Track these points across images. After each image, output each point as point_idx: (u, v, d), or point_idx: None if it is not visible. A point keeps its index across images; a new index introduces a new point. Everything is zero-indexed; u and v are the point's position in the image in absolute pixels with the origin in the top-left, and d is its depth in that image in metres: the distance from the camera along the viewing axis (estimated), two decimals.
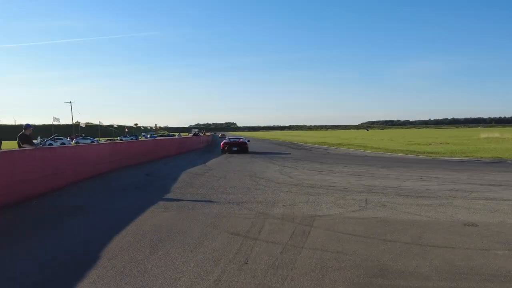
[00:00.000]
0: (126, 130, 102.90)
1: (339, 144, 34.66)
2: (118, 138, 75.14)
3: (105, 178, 11.32)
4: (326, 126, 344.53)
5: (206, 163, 15.63)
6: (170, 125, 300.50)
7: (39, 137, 43.84)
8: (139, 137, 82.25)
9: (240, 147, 23.68)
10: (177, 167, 14.12)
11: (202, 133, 56.88)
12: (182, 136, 40.82)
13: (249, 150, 24.85)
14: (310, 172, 11.95)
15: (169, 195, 7.89)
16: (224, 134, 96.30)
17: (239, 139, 26.33)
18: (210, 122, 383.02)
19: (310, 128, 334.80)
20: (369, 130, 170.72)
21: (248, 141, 26.48)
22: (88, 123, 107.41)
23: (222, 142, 24.61)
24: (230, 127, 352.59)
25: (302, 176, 10.98)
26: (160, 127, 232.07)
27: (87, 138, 55.86)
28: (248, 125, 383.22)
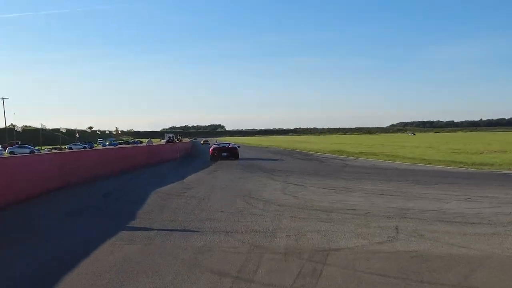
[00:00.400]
0: (77, 135, 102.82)
1: (361, 153, 34.85)
2: (66, 146, 74.93)
3: (50, 198, 11.16)
4: (343, 129, 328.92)
5: (184, 179, 15.66)
6: (136, 129, 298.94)
7: None
8: (95, 145, 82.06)
9: (230, 153, 29.31)
10: (145, 185, 14.09)
11: (178, 138, 56.08)
12: (153, 143, 40.73)
13: (241, 161, 26.29)
14: (322, 191, 11.92)
15: (135, 223, 7.85)
16: (207, 140, 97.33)
17: (229, 144, 32.21)
18: (190, 125, 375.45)
19: (322, 131, 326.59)
20: (413, 134, 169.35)
21: (238, 147, 31.69)
22: (26, 126, 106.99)
23: (212, 148, 30.53)
24: (216, 131, 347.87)
25: (312, 196, 10.96)
26: (122, 131, 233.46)
27: (25, 147, 55.71)
28: (240, 128, 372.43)
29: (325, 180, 14.93)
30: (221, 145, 31.16)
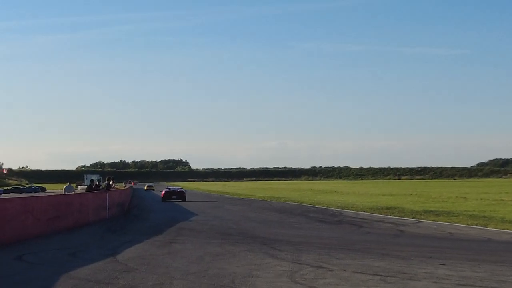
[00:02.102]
0: None
1: (428, 211, 28.24)
2: None
3: None
4: (396, 169, 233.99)
5: (118, 256, 11.97)
6: (34, 166, 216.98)
7: None
8: None
9: (178, 196, 41.36)
10: (47, 265, 10.75)
11: (105, 183, 39.50)
12: (73, 191, 27.29)
13: (217, 225, 21.87)
14: (360, 279, 9.23)
15: None
16: (152, 186, 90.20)
17: (177, 189, 45.11)
18: (129, 161, 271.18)
19: (359, 174, 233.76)
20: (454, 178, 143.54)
21: (185, 191, 45.17)
22: None
23: (163, 191, 42.87)
24: (172, 170, 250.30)
25: (343, 287, 8.49)
26: (10, 169, 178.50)
27: None
28: (214, 166, 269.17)
29: (364, 259, 11.74)
30: (171, 189, 44.29)
